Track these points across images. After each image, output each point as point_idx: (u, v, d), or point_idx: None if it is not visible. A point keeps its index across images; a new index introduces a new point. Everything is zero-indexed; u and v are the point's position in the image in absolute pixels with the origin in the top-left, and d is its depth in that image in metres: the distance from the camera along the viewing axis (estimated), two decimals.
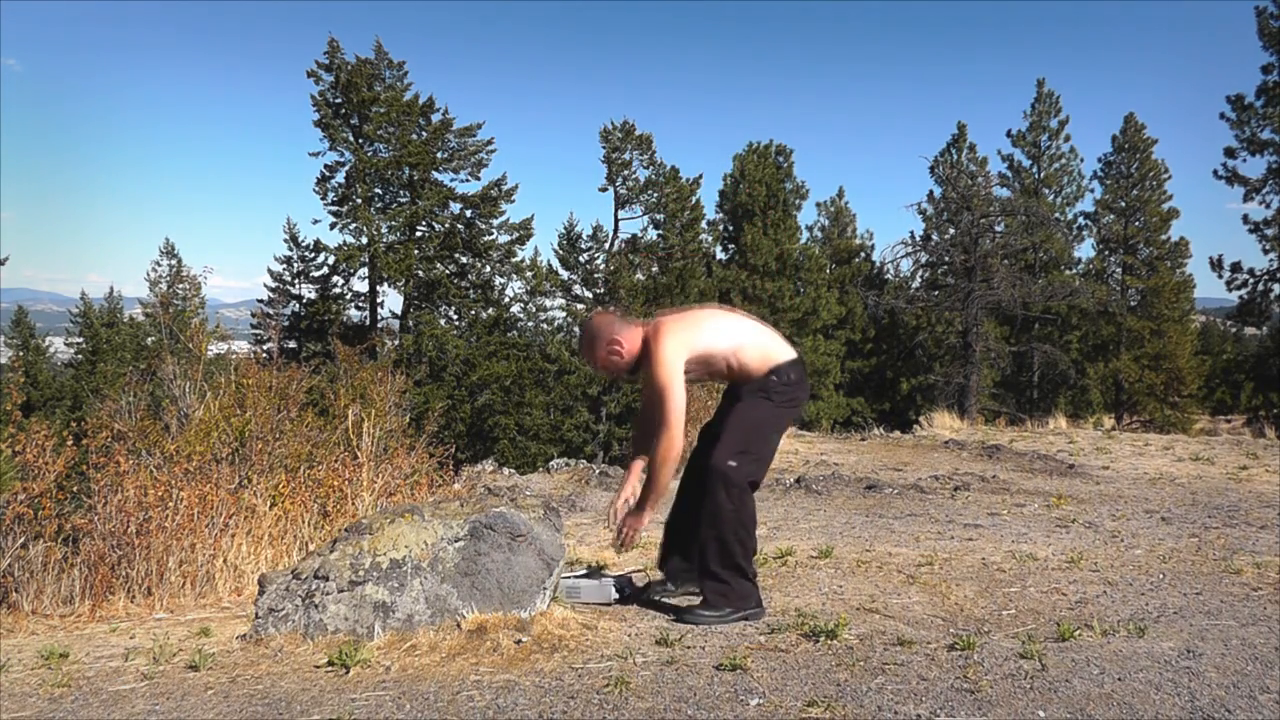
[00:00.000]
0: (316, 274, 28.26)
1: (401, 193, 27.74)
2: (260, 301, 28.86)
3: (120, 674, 2.88)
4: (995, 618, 3.35)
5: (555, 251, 29.32)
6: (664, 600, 3.51)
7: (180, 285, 28.44)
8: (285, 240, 28.21)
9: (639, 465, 3.45)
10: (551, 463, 9.71)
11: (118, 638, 3.37)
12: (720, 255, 29.93)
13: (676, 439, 3.14)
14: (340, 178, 27.33)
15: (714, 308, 3.51)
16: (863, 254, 32.15)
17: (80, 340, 30.01)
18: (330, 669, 2.78)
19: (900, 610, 3.44)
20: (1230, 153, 24.87)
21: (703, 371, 3.34)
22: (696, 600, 3.40)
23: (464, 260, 28.20)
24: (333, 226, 27.03)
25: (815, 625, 3.09)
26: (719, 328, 3.32)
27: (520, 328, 29.11)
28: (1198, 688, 2.60)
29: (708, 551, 3.21)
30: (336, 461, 5.21)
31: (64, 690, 2.74)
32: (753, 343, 3.30)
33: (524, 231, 28.15)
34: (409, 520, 3.18)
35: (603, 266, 28.48)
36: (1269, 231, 24.88)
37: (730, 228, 29.84)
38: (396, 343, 25.83)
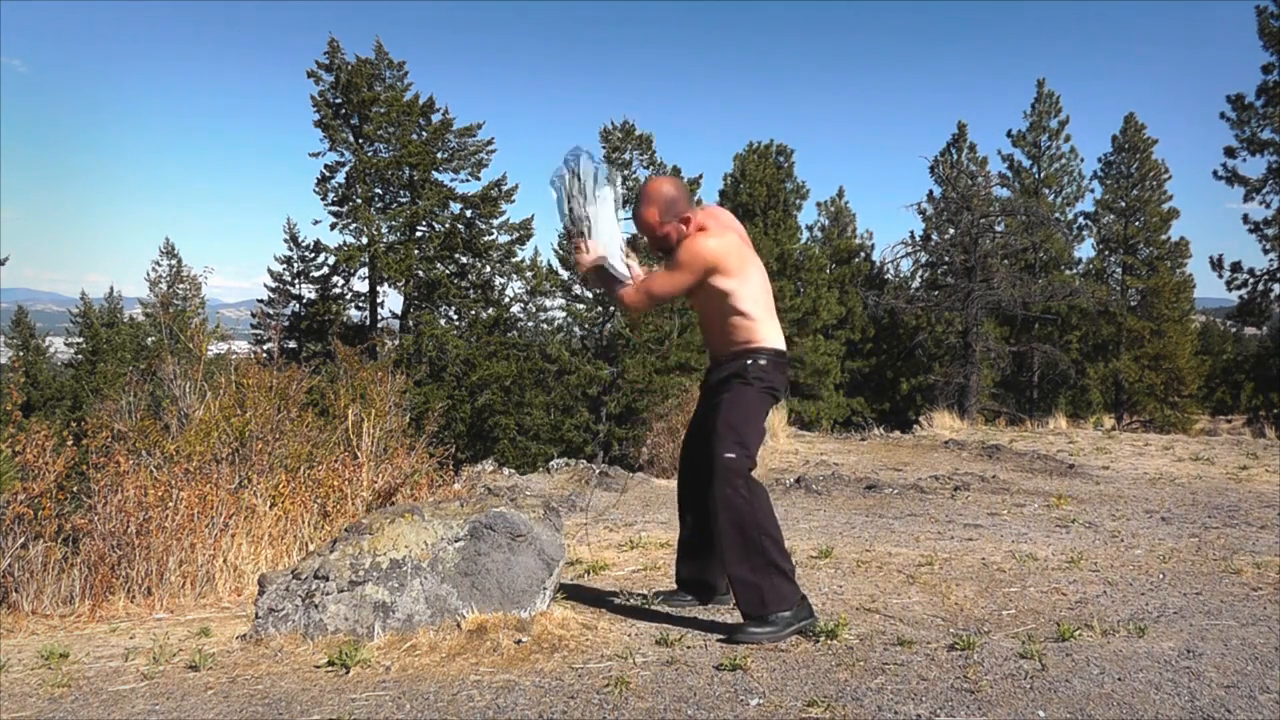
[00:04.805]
0: (316, 274, 28.25)
1: (401, 193, 27.74)
2: (260, 301, 28.84)
3: (120, 674, 2.88)
4: (995, 618, 3.35)
5: (555, 251, 29.32)
6: (670, 611, 3.50)
7: (180, 285, 28.48)
8: (285, 240, 28.22)
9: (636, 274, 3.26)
10: (551, 463, 9.71)
11: (118, 638, 3.37)
12: None
13: (637, 301, 3.10)
14: (340, 178, 27.35)
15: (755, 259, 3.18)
16: (863, 254, 32.13)
17: (80, 340, 30.04)
18: (330, 669, 2.78)
19: (900, 610, 3.44)
20: (1230, 153, 24.85)
21: (699, 302, 3.14)
22: (720, 606, 3.39)
23: (464, 260, 28.19)
24: (333, 227, 27.07)
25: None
26: (752, 276, 3.10)
27: (520, 328, 29.12)
28: (1198, 688, 2.60)
29: (730, 556, 2.99)
30: (336, 461, 5.20)
31: (64, 690, 2.74)
32: (758, 314, 3.09)
33: (524, 231, 28.16)
34: (409, 520, 3.18)
35: None
36: (1269, 231, 24.87)
37: None
38: (396, 343, 25.83)
